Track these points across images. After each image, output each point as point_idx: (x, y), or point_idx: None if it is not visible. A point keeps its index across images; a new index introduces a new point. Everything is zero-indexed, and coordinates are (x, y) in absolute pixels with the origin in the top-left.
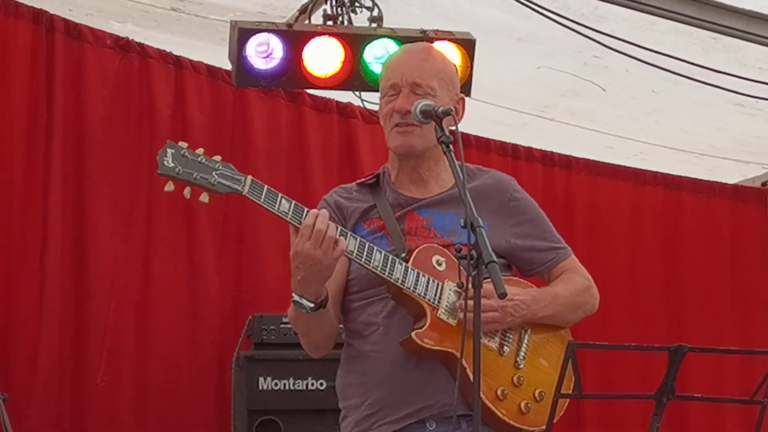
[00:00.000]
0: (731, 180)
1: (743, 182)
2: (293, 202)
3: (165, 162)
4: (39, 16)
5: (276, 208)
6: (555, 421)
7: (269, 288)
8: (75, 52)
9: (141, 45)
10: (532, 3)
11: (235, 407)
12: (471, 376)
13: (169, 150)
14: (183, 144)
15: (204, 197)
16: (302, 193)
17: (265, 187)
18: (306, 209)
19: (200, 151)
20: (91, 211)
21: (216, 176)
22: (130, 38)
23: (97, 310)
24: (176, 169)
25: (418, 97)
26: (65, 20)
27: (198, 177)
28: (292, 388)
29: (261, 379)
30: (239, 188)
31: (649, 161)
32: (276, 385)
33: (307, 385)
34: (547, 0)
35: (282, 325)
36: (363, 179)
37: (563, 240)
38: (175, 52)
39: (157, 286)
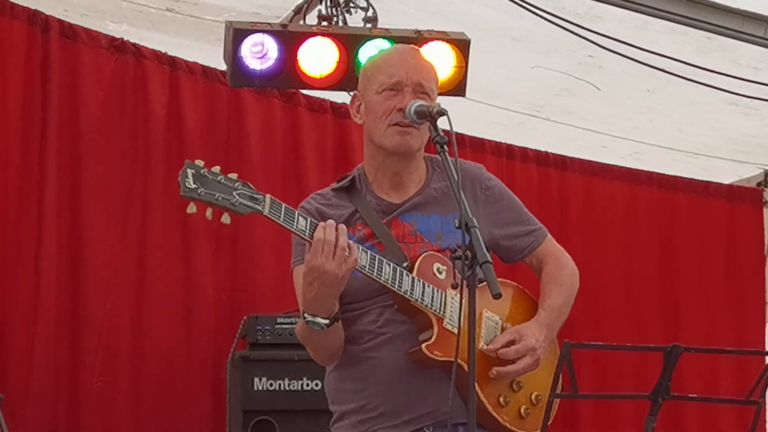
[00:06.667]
0: (726, 180)
1: (738, 182)
2: (309, 219)
3: (186, 183)
4: (34, 16)
5: (295, 227)
6: (549, 423)
7: (264, 288)
8: (70, 53)
9: (136, 45)
10: (527, 2)
11: (230, 407)
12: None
13: (189, 170)
14: (200, 162)
15: (225, 218)
16: (297, 193)
17: (283, 205)
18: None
19: (217, 169)
20: (86, 211)
21: (237, 196)
22: (125, 39)
23: (92, 311)
24: (198, 191)
25: (421, 97)
26: (60, 21)
27: (220, 198)
28: (287, 388)
29: (256, 380)
30: (260, 208)
31: (644, 161)
32: (271, 385)
33: (302, 385)
34: (542, 0)
35: (277, 326)
36: (337, 184)
37: (539, 222)
38: (170, 53)
39: (152, 286)
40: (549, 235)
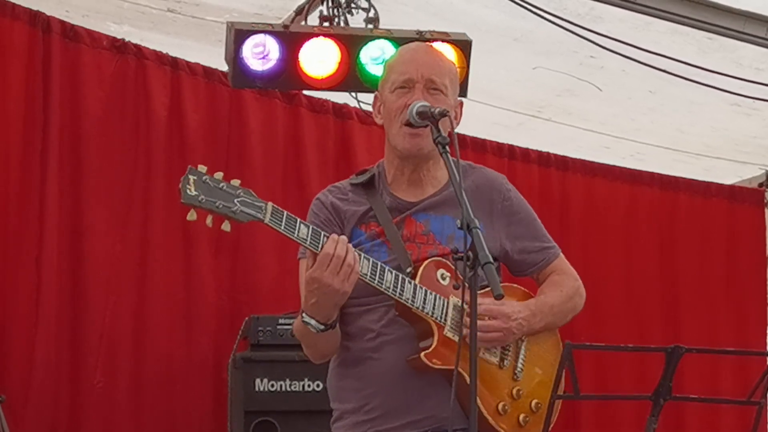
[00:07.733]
0: (728, 180)
1: (740, 183)
2: (311, 227)
3: (188, 190)
4: (35, 17)
5: (295, 235)
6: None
7: (265, 289)
8: (71, 54)
9: (137, 46)
10: (528, 3)
11: (232, 408)
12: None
13: (190, 177)
14: (203, 168)
15: (226, 225)
16: (298, 194)
17: (285, 213)
18: (323, 233)
19: (219, 175)
20: (88, 212)
21: (238, 204)
22: (127, 39)
23: (93, 311)
24: (199, 198)
25: (433, 93)
26: (62, 21)
27: (220, 206)
28: (288, 389)
29: (257, 380)
30: (261, 216)
31: (645, 161)
32: (272, 386)
33: (303, 386)
34: (543, 0)
35: (278, 326)
36: (356, 178)
37: (552, 239)
38: (171, 54)
39: (153, 287)
40: (561, 255)
